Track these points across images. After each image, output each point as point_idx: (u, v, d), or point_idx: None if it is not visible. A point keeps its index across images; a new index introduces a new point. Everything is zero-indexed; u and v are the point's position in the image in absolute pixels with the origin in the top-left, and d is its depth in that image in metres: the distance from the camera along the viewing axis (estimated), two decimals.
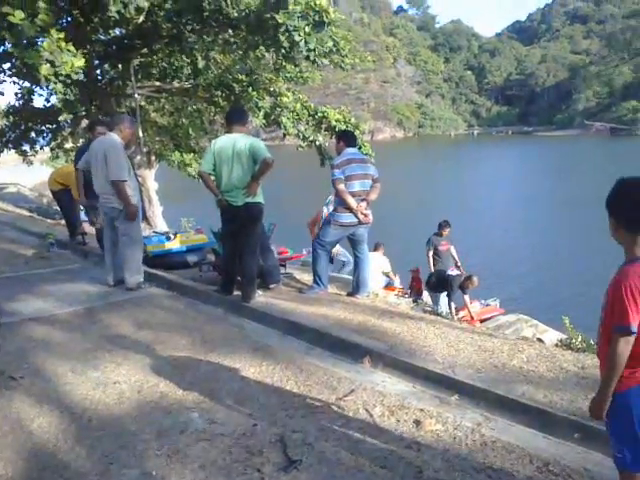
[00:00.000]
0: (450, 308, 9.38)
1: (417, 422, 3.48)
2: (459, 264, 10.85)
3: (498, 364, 4.12)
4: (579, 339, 4.65)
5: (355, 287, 6.18)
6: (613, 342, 2.27)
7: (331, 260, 8.94)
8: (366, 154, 10.98)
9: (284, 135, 12.41)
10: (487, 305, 10.91)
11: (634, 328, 2.24)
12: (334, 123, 11.82)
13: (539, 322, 9.34)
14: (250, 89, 11.38)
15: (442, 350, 4.38)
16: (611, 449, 2.43)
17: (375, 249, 10.41)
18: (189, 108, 13.11)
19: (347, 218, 5.92)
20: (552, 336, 7.42)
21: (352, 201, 5.83)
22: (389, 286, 10.25)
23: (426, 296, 10.36)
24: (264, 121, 11.90)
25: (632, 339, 2.25)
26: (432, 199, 32.89)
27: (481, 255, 20.17)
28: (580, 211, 26.07)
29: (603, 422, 2.42)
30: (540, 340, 5.65)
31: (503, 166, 54.12)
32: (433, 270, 10.44)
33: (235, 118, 5.63)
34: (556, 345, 4.74)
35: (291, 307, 5.52)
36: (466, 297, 9.89)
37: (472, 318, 9.35)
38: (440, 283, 9.90)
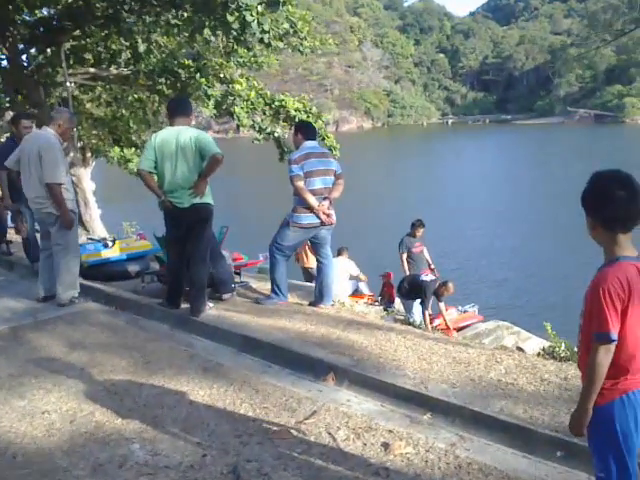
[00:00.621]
0: (424, 316, 9.42)
1: (385, 445, 3.48)
2: (433, 267, 10.94)
3: (474, 377, 4.14)
4: (562, 347, 4.68)
5: (318, 296, 6.14)
6: (592, 351, 2.28)
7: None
8: (330, 147, 10.92)
9: (238, 127, 12.33)
10: (464, 312, 10.95)
11: (614, 335, 2.26)
12: (293, 113, 11.80)
13: (521, 329, 9.47)
14: (198, 76, 11.28)
15: (413, 364, 4.38)
16: (594, 468, 2.43)
17: (339, 254, 10.42)
18: (129, 98, 12.92)
19: (307, 219, 5.87)
20: (534, 344, 7.51)
21: (313, 200, 5.78)
22: (357, 294, 10.25)
23: (398, 303, 10.38)
24: (215, 111, 11.81)
25: (613, 347, 2.27)
26: (403, 196, 32.73)
27: (458, 257, 20.39)
28: (565, 207, 25.82)
29: (585, 438, 2.42)
30: (520, 349, 5.71)
31: (480, 158, 54.85)
32: (409, 274, 10.43)
33: (178, 109, 5.56)
34: (538, 354, 4.80)
35: (246, 320, 5.47)
36: (441, 305, 9.91)
37: (448, 327, 9.42)
38: (413, 289, 9.86)
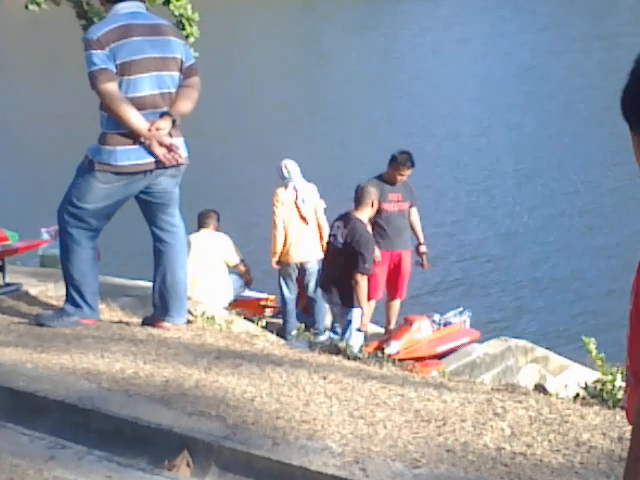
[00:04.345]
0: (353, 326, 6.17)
1: None
2: (422, 241, 7.17)
3: (454, 446, 3.04)
4: (617, 381, 3.40)
5: (159, 306, 4.41)
6: None
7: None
8: (178, 17, 7.34)
9: None
10: (445, 324, 7.13)
11: None
12: None
13: (549, 352, 6.97)
14: None
15: (342, 427, 3.22)
16: None
17: (201, 225, 7.04)
18: None
19: (129, 156, 4.07)
20: (571, 378, 5.71)
21: (138, 119, 4.01)
22: (245, 300, 7.18)
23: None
24: None
25: None
26: (317, 105, 21.68)
27: (439, 221, 12.40)
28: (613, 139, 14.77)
29: None
30: (541, 389, 4.26)
31: (468, 33, 31.21)
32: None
33: None
34: (575, 397, 3.58)
35: (16, 359, 4.02)
36: (393, 305, 6.97)
37: (418, 358, 6.34)
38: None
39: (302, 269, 6.98)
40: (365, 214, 6.13)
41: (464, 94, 22.73)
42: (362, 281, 6.01)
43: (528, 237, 13.17)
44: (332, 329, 6.48)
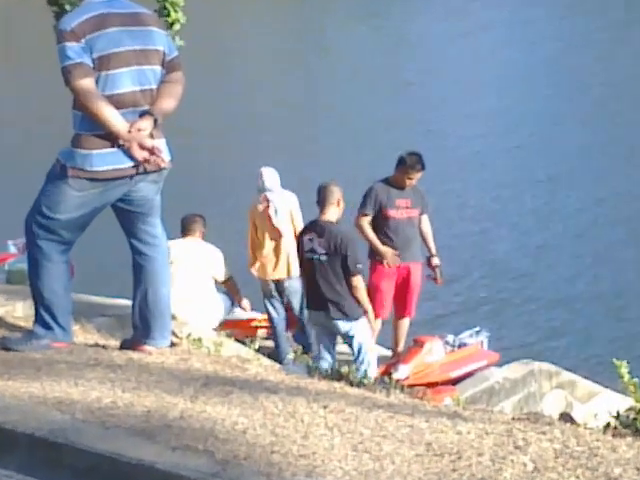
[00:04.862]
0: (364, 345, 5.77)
1: None
2: (434, 252, 6.68)
3: None
4: None
5: (141, 326, 4.17)
6: None
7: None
8: (162, 2, 7.16)
9: None
10: (461, 346, 6.76)
11: None
12: None
13: (578, 377, 6.67)
14: None
15: (345, 462, 2.99)
16: None
17: (185, 233, 6.57)
18: None
19: (107, 161, 3.85)
20: (602, 406, 5.55)
21: (116, 119, 3.77)
22: (236, 320, 6.84)
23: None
24: None
25: None
26: (318, 103, 20.16)
27: (456, 227, 11.81)
28: None
29: None
30: (567, 417, 4.16)
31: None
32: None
33: None
34: (605, 427, 3.35)
35: None
36: (402, 324, 6.52)
37: (430, 383, 5.83)
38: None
39: (280, 288, 6.50)
40: (333, 215, 5.62)
41: (486, 87, 20.97)
42: (359, 283, 5.55)
43: (560, 249, 11.95)
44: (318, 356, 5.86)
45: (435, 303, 8.89)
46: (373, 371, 5.47)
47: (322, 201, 5.61)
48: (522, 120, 18.15)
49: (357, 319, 5.61)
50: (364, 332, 5.64)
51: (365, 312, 5.63)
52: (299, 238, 5.80)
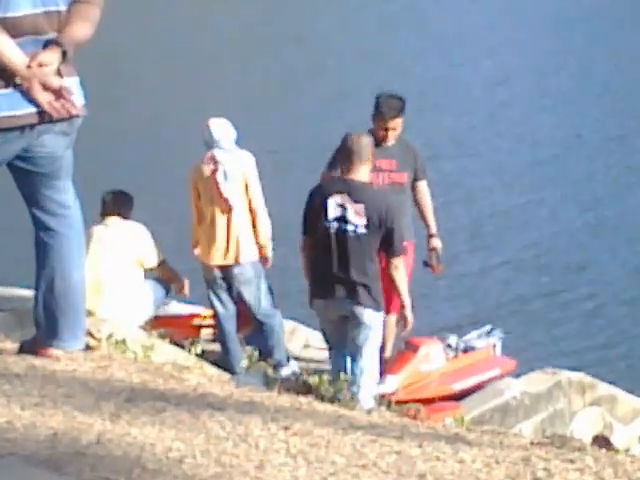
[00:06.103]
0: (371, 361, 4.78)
1: None
2: (433, 232, 5.65)
3: None
4: None
5: (45, 324, 3.68)
6: None
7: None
8: None
9: None
10: (467, 350, 5.86)
11: None
12: None
13: (617, 389, 5.90)
14: None
15: None
16: None
17: (107, 212, 5.67)
18: None
19: (0, 105, 3.42)
20: None
21: (12, 50, 3.34)
22: (172, 317, 5.89)
23: (295, 330, 6.09)
24: None
25: None
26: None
27: (461, 211, 10.76)
28: None
29: None
30: (603, 441, 3.94)
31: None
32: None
33: None
34: None
35: None
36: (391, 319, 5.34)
37: (426, 399, 4.84)
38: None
39: (227, 276, 5.46)
40: (364, 176, 4.61)
41: (503, 68, 18.21)
42: (401, 264, 4.61)
43: (600, 237, 10.53)
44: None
45: (434, 296, 8.05)
46: (372, 388, 4.55)
47: (349, 156, 4.57)
48: (541, 103, 16.52)
49: (382, 311, 4.68)
50: (380, 332, 4.69)
51: (403, 306, 4.67)
52: (315, 201, 4.65)
